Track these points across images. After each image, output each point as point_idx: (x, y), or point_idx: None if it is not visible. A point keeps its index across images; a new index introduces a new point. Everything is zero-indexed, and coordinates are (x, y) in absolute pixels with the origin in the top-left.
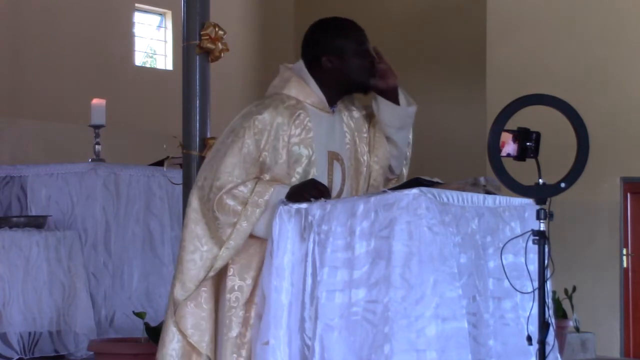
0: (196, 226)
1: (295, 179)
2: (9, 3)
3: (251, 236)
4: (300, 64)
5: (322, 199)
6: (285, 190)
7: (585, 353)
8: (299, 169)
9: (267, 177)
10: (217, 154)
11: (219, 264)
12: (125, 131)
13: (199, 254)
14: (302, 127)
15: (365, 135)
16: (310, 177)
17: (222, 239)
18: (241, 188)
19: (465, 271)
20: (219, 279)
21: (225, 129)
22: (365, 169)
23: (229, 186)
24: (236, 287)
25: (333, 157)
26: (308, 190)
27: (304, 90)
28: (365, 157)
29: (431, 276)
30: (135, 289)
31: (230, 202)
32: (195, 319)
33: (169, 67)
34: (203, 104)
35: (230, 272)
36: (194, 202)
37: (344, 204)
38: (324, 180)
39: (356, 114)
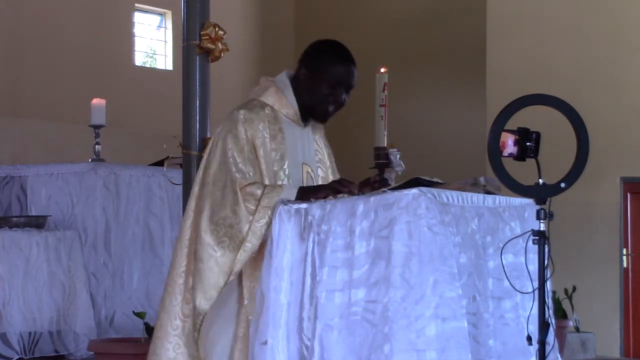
0: (206, 235)
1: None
2: (9, 3)
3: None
4: (283, 76)
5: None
6: (294, 190)
7: (585, 353)
8: (281, 177)
9: (266, 180)
10: (218, 159)
11: (238, 267)
12: (125, 131)
13: (214, 260)
14: (275, 135)
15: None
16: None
17: (238, 237)
18: (253, 189)
19: (465, 271)
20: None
21: (213, 139)
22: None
23: (243, 182)
24: None
25: (307, 170)
26: (332, 186)
27: (280, 100)
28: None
29: (431, 276)
30: (135, 289)
31: (244, 201)
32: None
33: (169, 67)
34: (203, 104)
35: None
36: (205, 212)
37: (344, 204)
38: None
39: (320, 135)
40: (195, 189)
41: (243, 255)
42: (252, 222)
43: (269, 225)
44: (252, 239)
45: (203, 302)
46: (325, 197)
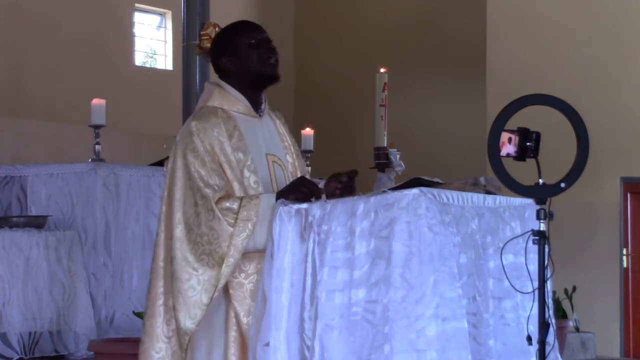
0: (184, 254)
1: (245, 187)
2: (9, 4)
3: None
4: (212, 84)
5: (312, 199)
6: (272, 197)
7: (585, 353)
8: (246, 174)
9: (235, 185)
10: (182, 177)
11: (222, 283)
12: (125, 131)
13: (196, 279)
14: (232, 134)
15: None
16: (248, 182)
17: (218, 253)
18: (228, 204)
19: (466, 271)
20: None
21: (172, 156)
22: (299, 174)
23: (216, 197)
24: None
25: (273, 160)
26: (294, 191)
27: (227, 99)
28: (296, 164)
29: (431, 276)
30: (135, 289)
31: (223, 216)
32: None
33: (169, 67)
34: None
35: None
36: (178, 231)
37: (344, 204)
38: (268, 185)
39: (281, 122)
40: (163, 208)
41: (226, 270)
42: (233, 237)
43: (249, 238)
44: (234, 254)
45: (188, 322)
46: (295, 199)
